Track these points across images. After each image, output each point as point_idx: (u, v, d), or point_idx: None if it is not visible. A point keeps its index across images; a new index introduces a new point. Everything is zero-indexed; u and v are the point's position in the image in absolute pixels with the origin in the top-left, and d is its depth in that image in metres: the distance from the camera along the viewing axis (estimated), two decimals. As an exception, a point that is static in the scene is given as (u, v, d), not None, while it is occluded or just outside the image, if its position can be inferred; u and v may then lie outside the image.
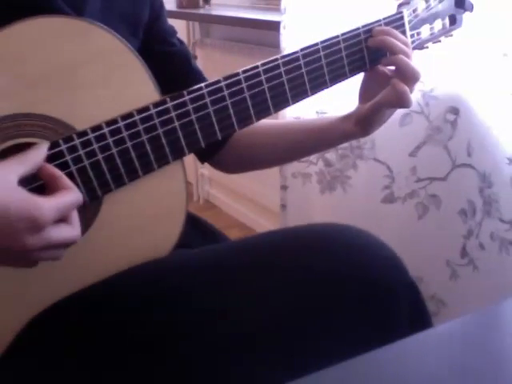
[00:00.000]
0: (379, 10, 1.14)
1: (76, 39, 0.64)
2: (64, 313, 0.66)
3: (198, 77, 0.87)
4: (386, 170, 1.28)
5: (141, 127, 0.67)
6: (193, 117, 0.69)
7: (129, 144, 0.66)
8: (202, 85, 0.70)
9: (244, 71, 0.72)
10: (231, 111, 0.72)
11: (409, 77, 0.77)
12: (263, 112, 0.74)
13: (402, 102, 0.77)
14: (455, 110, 1.17)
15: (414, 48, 0.85)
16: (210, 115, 0.70)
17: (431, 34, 0.87)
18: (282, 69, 0.74)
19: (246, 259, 0.69)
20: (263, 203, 2.25)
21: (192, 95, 0.69)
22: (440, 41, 0.89)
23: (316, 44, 0.77)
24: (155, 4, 0.85)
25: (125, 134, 0.66)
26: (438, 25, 0.87)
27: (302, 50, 0.76)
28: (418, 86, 1.18)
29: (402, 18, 0.82)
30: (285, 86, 0.75)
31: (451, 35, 0.89)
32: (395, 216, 1.29)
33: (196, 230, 0.88)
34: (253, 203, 2.34)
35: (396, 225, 1.29)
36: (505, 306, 0.57)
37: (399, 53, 0.77)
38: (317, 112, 1.37)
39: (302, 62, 0.75)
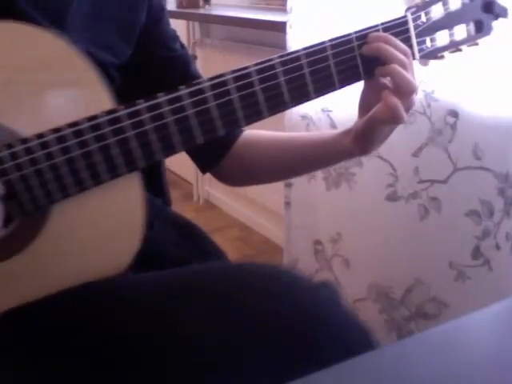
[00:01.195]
0: (388, 9, 1.15)
1: (24, 45, 0.63)
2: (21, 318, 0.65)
3: None
4: (390, 168, 1.28)
5: (89, 136, 0.62)
6: (148, 126, 0.64)
7: (76, 153, 0.62)
8: (162, 94, 0.65)
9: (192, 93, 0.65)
10: (185, 125, 0.65)
11: (402, 90, 0.69)
12: (211, 132, 0.67)
13: (392, 117, 0.70)
14: (454, 113, 1.17)
15: (425, 57, 0.76)
16: (168, 125, 0.65)
17: (450, 42, 0.76)
18: (257, 77, 0.67)
19: (182, 299, 0.65)
20: (264, 202, 2.25)
21: (149, 103, 0.64)
22: (460, 50, 0.77)
23: (297, 51, 0.69)
24: (154, 7, 0.82)
25: (72, 142, 0.62)
26: (460, 31, 0.76)
27: (280, 56, 0.68)
28: (420, 86, 1.19)
29: (405, 22, 0.73)
30: (257, 96, 0.67)
31: (476, 44, 0.78)
32: (398, 215, 1.29)
33: (189, 241, 0.87)
34: (253, 203, 2.33)
35: (398, 224, 1.29)
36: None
37: (394, 62, 0.69)
38: (322, 110, 1.38)
39: (279, 70, 0.68)
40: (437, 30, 0.75)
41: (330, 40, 0.70)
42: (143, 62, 0.81)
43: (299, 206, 1.51)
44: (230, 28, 2.31)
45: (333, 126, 1.35)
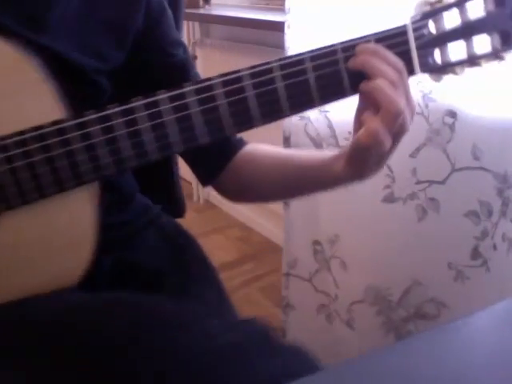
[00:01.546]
0: (388, 10, 1.15)
1: None
2: None
3: None
4: (387, 170, 1.28)
5: (33, 146, 0.60)
6: (97, 139, 0.61)
7: (17, 164, 0.60)
8: (139, 98, 0.61)
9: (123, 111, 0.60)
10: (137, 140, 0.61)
11: (384, 110, 0.60)
12: (192, 140, 0.62)
13: (374, 143, 0.61)
14: (453, 114, 1.17)
15: (433, 72, 0.66)
16: (142, 132, 0.61)
17: (468, 56, 0.64)
18: (222, 90, 0.61)
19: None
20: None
21: (119, 108, 0.60)
22: (479, 64, 0.65)
23: (268, 63, 0.62)
24: (153, 11, 0.78)
25: (13, 152, 0.60)
26: (481, 43, 0.64)
27: (250, 68, 0.62)
28: (417, 87, 1.19)
29: (403, 33, 0.63)
30: (219, 111, 0.62)
31: (502, 59, 0.65)
32: (395, 216, 1.29)
33: (174, 254, 0.85)
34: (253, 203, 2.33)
35: (396, 226, 1.29)
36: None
37: (379, 77, 0.61)
38: (319, 110, 1.37)
39: (247, 83, 0.61)
40: (450, 41, 0.64)
41: (311, 51, 0.62)
42: (139, 67, 0.79)
43: (299, 207, 1.51)
44: (230, 28, 2.31)
45: (330, 126, 1.35)
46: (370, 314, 1.36)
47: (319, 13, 1.31)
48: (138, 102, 0.61)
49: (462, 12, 0.63)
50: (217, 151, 0.82)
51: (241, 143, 0.83)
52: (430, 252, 1.25)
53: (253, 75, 0.62)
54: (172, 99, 0.61)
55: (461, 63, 0.65)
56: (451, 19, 0.63)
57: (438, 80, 0.68)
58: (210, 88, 0.62)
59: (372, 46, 0.63)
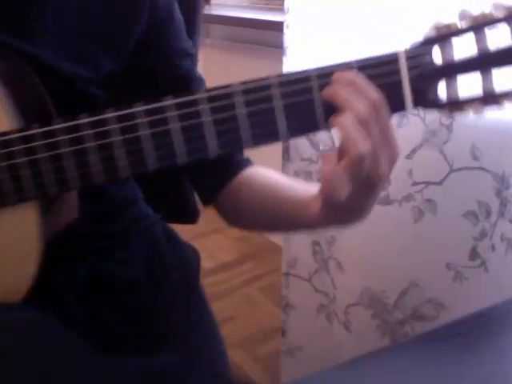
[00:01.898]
0: (391, 10, 1.15)
1: None
2: None
3: None
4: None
5: None
6: (20, 160, 0.57)
7: None
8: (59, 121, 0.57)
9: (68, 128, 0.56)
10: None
11: (345, 151, 0.51)
12: (113, 171, 0.56)
13: (328, 191, 0.53)
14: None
15: (434, 109, 0.55)
16: (62, 157, 0.57)
17: (485, 92, 0.52)
18: (145, 119, 0.55)
19: None
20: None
21: (44, 129, 0.57)
22: (500, 103, 0.52)
23: (229, 85, 0.55)
24: (158, 19, 0.74)
25: None
26: (503, 78, 0.51)
27: (207, 91, 0.55)
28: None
29: (394, 61, 0.54)
30: (141, 143, 0.56)
31: None
32: (391, 218, 1.29)
33: (157, 269, 0.84)
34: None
35: (391, 228, 1.29)
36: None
37: (348, 112, 0.52)
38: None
39: (203, 107, 0.54)
40: (461, 73, 0.52)
41: (278, 76, 0.54)
42: (139, 76, 0.77)
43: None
44: (230, 28, 2.31)
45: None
46: (366, 317, 1.37)
47: (318, 13, 1.31)
48: (83, 120, 0.57)
49: (480, 39, 0.51)
50: (218, 169, 0.79)
51: (244, 164, 0.79)
52: (428, 253, 1.25)
53: (211, 99, 0.54)
54: (121, 119, 0.56)
55: (474, 101, 0.52)
56: (464, 46, 0.52)
57: (450, 117, 0.59)
58: (161, 110, 0.55)
59: (349, 74, 0.54)
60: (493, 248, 1.16)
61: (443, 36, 0.53)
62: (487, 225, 1.16)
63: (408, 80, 0.53)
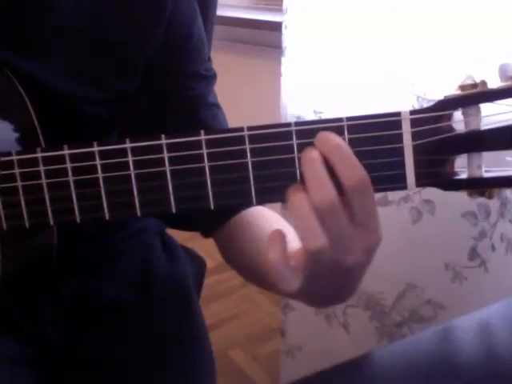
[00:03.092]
0: (391, 10, 1.14)
1: None
2: None
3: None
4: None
5: None
6: None
7: None
8: None
9: None
10: None
11: (298, 236, 0.41)
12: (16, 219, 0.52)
13: (278, 285, 0.43)
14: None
15: (445, 187, 0.41)
16: None
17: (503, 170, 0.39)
18: (71, 164, 0.49)
19: None
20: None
21: None
22: None
23: (191, 140, 0.47)
24: (176, 35, 0.68)
25: None
26: None
27: (130, 141, 0.47)
28: (411, 89, 1.18)
29: (395, 124, 0.41)
30: (40, 192, 0.50)
31: None
32: (389, 220, 1.29)
33: (145, 285, 0.82)
34: (253, 203, 2.33)
35: (389, 229, 1.29)
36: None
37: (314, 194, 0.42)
38: (314, 111, 1.37)
39: (94, 163, 0.48)
40: (487, 150, 0.39)
41: (249, 128, 0.45)
42: (149, 97, 0.72)
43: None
44: (230, 28, 2.31)
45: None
46: (364, 319, 1.37)
47: (317, 13, 1.31)
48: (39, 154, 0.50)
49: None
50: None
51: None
52: (426, 254, 1.25)
53: (102, 154, 0.48)
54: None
55: (501, 182, 0.39)
56: (490, 114, 0.38)
57: (473, 197, 0.42)
58: (61, 159, 0.49)
59: (327, 135, 0.42)
60: (493, 248, 1.16)
61: (466, 98, 0.40)
62: (487, 225, 1.16)
63: (412, 150, 0.42)
